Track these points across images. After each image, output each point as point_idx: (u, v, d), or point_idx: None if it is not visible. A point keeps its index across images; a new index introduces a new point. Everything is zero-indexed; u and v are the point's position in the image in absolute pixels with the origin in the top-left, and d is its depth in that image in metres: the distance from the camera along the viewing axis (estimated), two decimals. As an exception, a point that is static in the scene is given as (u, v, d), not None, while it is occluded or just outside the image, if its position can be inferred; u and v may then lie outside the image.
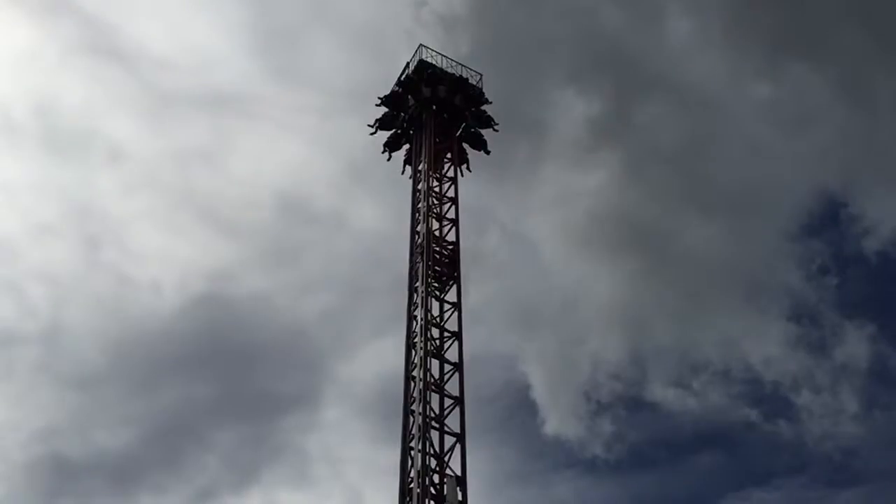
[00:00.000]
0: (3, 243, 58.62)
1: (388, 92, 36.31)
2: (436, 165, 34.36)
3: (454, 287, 31.27)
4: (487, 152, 36.25)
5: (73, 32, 63.71)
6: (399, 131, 36.26)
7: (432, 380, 28.58)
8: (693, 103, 53.97)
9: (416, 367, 28.78)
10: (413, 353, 29.25)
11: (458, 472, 26.94)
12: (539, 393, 49.23)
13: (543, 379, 49.77)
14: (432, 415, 27.82)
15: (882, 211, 53.92)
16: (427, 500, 25.92)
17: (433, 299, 30.55)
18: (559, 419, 50.03)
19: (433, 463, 26.89)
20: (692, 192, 54.08)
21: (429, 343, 29.22)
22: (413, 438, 27.28)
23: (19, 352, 56.25)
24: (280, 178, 62.13)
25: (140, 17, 62.96)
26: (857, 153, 54.10)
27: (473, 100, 36.13)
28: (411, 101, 35.72)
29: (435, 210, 32.93)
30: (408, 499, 26.27)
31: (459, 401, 28.49)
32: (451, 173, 34.70)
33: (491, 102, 36.36)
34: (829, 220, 58.97)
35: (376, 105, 36.35)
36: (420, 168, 34.28)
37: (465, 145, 36.06)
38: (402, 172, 35.98)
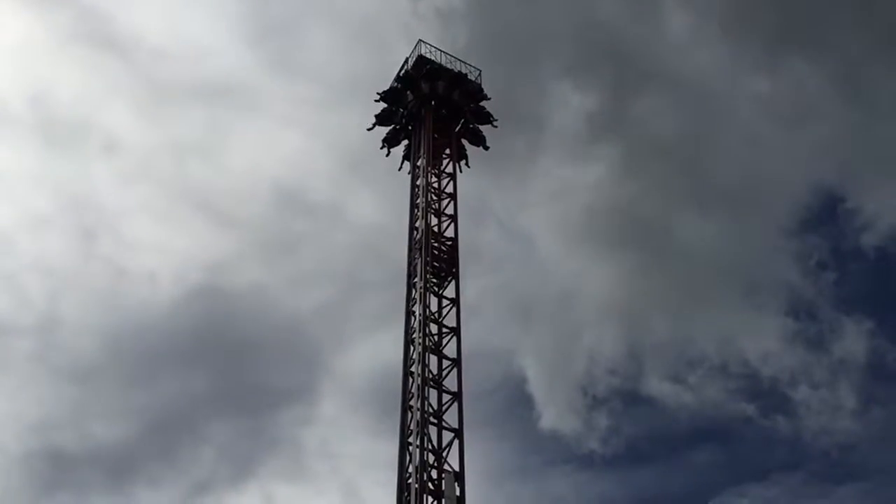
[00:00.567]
0: (-2, 235, 58.47)
1: (386, 87, 36.24)
2: (434, 161, 34.38)
3: (453, 283, 31.34)
4: (486, 148, 36.33)
5: (69, 22, 63.33)
6: (398, 127, 36.23)
7: (431, 375, 28.66)
8: (691, 97, 54.16)
9: (414, 362, 28.87)
10: (411, 348, 29.33)
11: (457, 468, 27.03)
12: (535, 387, 49.38)
13: (540, 373, 49.95)
14: (430, 410, 27.91)
15: (880, 206, 53.91)
16: (425, 496, 26.03)
17: (432, 295, 30.62)
18: (556, 413, 50.18)
19: (431, 458, 26.99)
20: (690, 186, 54.30)
21: (427, 339, 29.30)
22: (411, 434, 27.40)
23: (15, 344, 55.98)
24: (277, 170, 61.80)
25: (136, 7, 62.62)
26: (855, 148, 54.27)
27: (472, 96, 36.11)
28: (410, 97, 35.67)
29: (434, 206, 32.97)
30: (406, 494, 26.38)
31: (458, 396, 28.61)
32: (449, 169, 34.75)
33: (490, 98, 36.44)
34: (827, 215, 58.94)
35: (375, 101, 36.36)
36: (419, 164, 34.28)
37: (463, 141, 36.07)
38: (400, 168, 36.07)
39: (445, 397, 28.64)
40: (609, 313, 51.69)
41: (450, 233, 32.65)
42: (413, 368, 28.77)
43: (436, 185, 33.92)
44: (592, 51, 53.46)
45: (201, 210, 60.90)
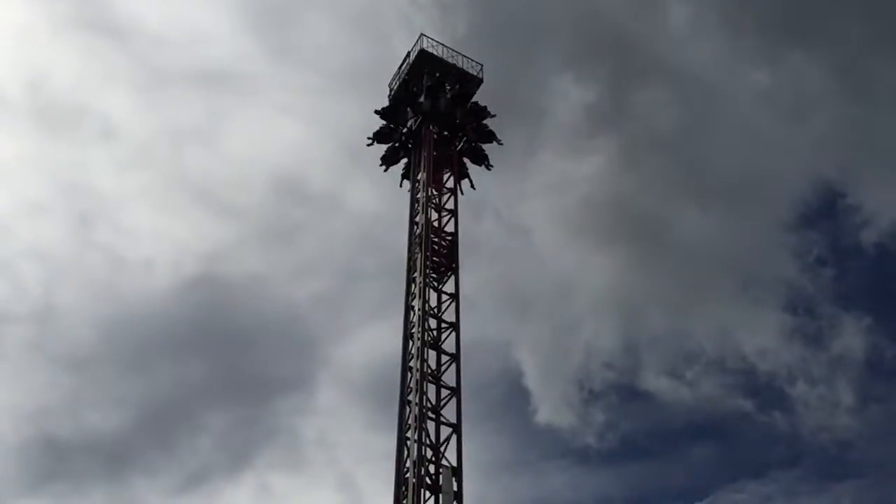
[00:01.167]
0: (-6, 221, 58.30)
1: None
2: (435, 179, 33.40)
3: (452, 278, 31.39)
4: (489, 167, 35.14)
5: (66, 7, 63.56)
6: (397, 145, 35.21)
7: (429, 370, 28.77)
8: (691, 90, 54.09)
9: (413, 357, 28.98)
10: (410, 343, 29.43)
11: (454, 463, 27.19)
12: (532, 381, 49.39)
13: (536, 367, 49.98)
14: (429, 405, 28.03)
15: (880, 202, 54.02)
16: (422, 491, 26.17)
17: (431, 290, 30.69)
18: (552, 408, 50.25)
19: (429, 453, 27.10)
20: (689, 179, 54.20)
21: (426, 333, 29.39)
22: (409, 429, 27.53)
23: (11, 331, 56.09)
24: (276, 158, 61.77)
25: (135, -8, 62.44)
26: (855, 143, 54.20)
27: (475, 114, 35.08)
28: (410, 114, 34.76)
29: (434, 201, 32.95)
30: (403, 489, 26.52)
31: (456, 391, 28.74)
32: (450, 184, 33.89)
33: (494, 116, 35.22)
34: (826, 211, 59.02)
35: (375, 112, 35.53)
36: (419, 178, 33.41)
37: (465, 160, 34.95)
38: (401, 185, 34.94)
39: (444, 392, 28.78)
40: (606, 307, 51.86)
41: (450, 227, 32.69)
42: (412, 363, 28.88)
43: (436, 201, 33.06)
44: (592, 43, 53.42)
45: (199, 198, 61.01)
